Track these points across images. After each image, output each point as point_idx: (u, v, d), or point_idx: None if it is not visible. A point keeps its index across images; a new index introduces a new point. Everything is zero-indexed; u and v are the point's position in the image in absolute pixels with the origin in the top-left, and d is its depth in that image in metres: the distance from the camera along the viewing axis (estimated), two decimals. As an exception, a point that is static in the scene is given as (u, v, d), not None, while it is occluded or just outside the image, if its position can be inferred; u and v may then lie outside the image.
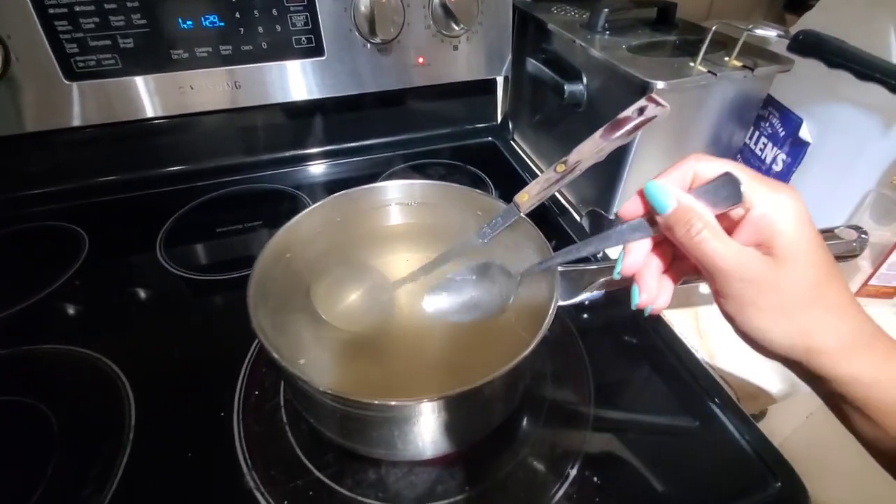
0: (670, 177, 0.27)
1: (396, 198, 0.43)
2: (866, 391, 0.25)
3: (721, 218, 0.26)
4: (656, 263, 0.29)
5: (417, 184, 0.42)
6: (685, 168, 0.26)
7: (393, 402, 0.29)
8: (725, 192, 0.25)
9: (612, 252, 0.54)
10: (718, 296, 0.26)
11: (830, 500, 0.55)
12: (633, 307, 0.30)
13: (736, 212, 0.25)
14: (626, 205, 0.29)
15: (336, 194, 0.41)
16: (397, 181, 0.43)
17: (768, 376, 0.48)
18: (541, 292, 0.37)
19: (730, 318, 0.27)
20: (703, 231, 0.25)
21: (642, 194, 0.27)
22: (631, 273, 0.29)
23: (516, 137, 0.82)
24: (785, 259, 0.24)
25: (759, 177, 0.25)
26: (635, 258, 0.29)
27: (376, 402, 0.29)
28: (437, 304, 0.38)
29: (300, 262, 0.38)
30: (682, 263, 0.30)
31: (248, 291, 0.32)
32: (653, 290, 0.29)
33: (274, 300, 0.35)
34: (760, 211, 0.24)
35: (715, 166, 0.26)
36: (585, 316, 0.49)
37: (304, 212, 0.40)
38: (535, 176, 0.72)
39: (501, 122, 0.81)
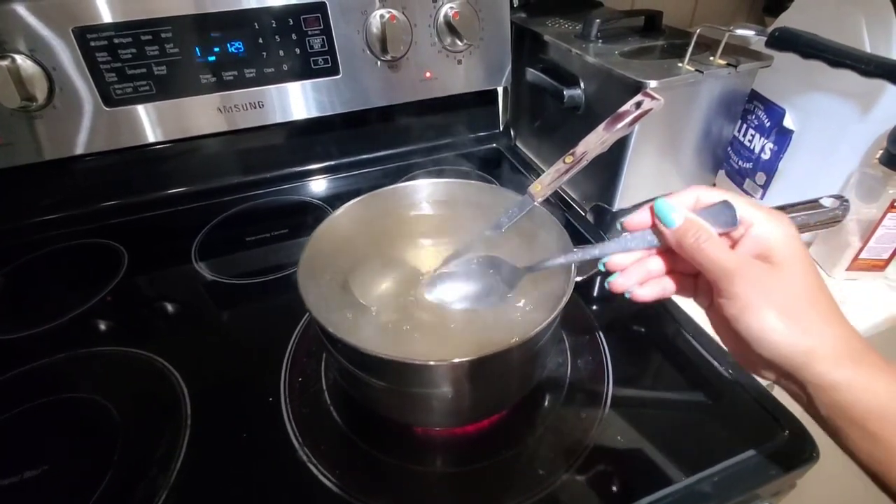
0: (676, 199, 0.31)
1: (424, 195, 0.47)
2: (861, 396, 0.26)
3: (722, 237, 0.29)
4: (656, 264, 0.32)
5: (441, 182, 0.47)
6: (688, 194, 0.31)
7: (432, 363, 0.32)
8: (724, 216, 0.29)
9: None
10: (721, 297, 0.28)
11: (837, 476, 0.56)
12: (606, 284, 0.33)
13: (737, 232, 0.29)
14: (633, 217, 0.32)
15: (370, 193, 0.45)
16: (425, 180, 0.47)
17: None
18: (555, 278, 0.40)
19: (732, 320, 0.28)
20: (709, 240, 0.28)
21: (652, 210, 0.31)
22: (615, 269, 0.33)
23: (518, 143, 0.86)
24: (782, 264, 0.28)
25: (755, 203, 0.29)
26: (623, 260, 0.32)
27: (417, 362, 0.32)
28: (439, 293, 0.40)
29: (338, 253, 0.42)
30: (684, 278, 0.33)
31: (298, 279, 0.36)
32: (631, 281, 0.32)
33: (317, 287, 0.39)
34: (758, 230, 0.29)
35: (715, 195, 0.30)
36: (599, 299, 0.52)
37: (340, 209, 0.44)
38: (539, 176, 0.76)
39: (504, 129, 0.86)
